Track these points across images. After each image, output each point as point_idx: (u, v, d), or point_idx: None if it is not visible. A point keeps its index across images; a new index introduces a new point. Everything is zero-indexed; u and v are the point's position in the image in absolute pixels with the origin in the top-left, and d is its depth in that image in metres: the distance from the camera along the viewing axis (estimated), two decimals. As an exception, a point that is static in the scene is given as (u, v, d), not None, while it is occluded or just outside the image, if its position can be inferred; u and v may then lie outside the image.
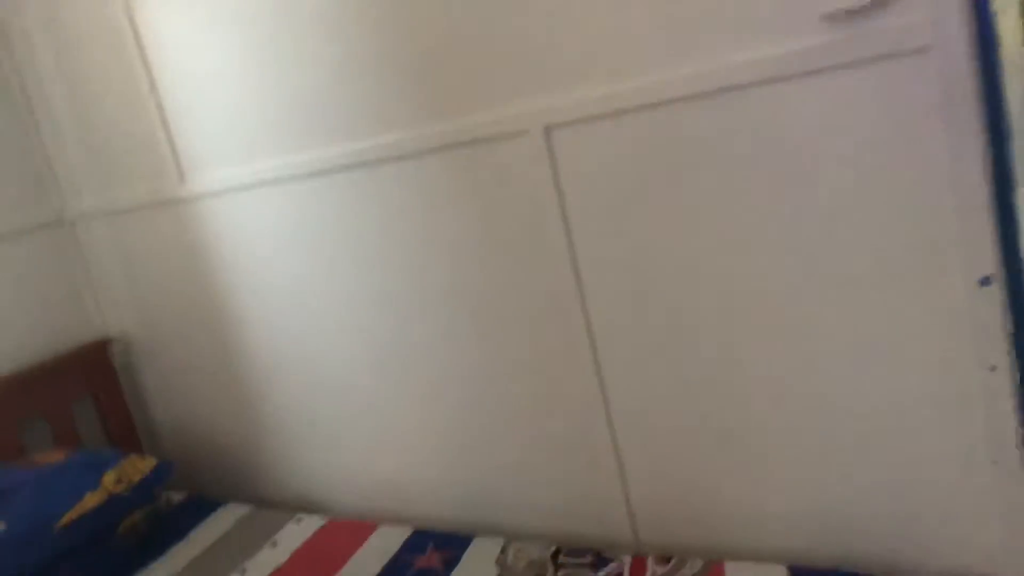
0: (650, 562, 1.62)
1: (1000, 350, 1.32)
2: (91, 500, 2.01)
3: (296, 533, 2.06)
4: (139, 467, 2.15)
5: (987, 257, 1.29)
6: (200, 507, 2.29)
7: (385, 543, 1.92)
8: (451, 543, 1.85)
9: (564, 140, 1.61)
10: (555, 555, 1.72)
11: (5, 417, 2.31)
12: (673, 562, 1.61)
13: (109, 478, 2.07)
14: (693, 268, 1.55)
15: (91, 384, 2.53)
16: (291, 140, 1.96)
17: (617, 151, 1.56)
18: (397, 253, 1.90)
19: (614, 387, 1.70)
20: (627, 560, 1.65)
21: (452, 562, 1.78)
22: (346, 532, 2.01)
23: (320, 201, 1.97)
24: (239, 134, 2.05)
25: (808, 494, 1.55)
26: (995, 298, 1.30)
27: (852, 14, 1.28)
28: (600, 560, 1.67)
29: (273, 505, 2.31)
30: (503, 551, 1.78)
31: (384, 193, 1.86)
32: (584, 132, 1.58)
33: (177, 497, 2.36)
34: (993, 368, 1.33)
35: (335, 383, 2.16)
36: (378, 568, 1.83)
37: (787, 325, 1.49)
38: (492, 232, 1.74)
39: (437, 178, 1.77)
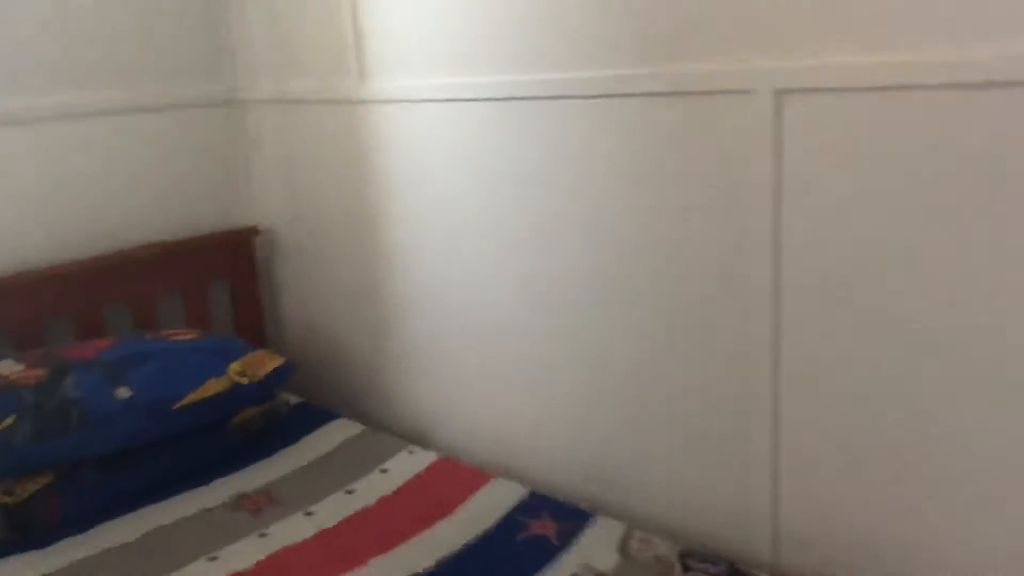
0: (792, 590, 1.47)
1: None
2: (213, 386, 1.98)
3: (407, 464, 1.98)
4: (265, 362, 2.11)
5: None
6: (314, 415, 2.25)
7: (498, 497, 1.82)
8: (569, 516, 1.73)
9: (796, 109, 1.42)
10: (684, 555, 1.58)
11: (146, 286, 2.31)
12: (819, 596, 1.45)
13: (235, 367, 2.04)
14: (914, 281, 1.35)
15: (230, 270, 2.51)
16: (487, 60, 1.83)
17: (859, 132, 1.37)
18: (574, 198, 1.76)
19: (789, 388, 1.53)
20: (766, 581, 1.50)
21: (569, 536, 1.66)
22: (458, 476, 1.92)
23: (503, 129, 1.85)
24: (432, 45, 1.94)
25: (985, 552, 1.36)
26: None
27: None
28: (735, 572, 1.52)
29: (384, 430, 2.24)
30: (626, 537, 1.65)
31: (576, 132, 1.72)
32: (823, 104, 1.39)
33: (293, 399, 2.32)
34: None
35: (474, 322, 2.05)
36: (490, 522, 1.72)
37: (1010, 365, 1.28)
38: (688, 194, 1.58)
39: (638, 126, 1.62)
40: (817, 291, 1.46)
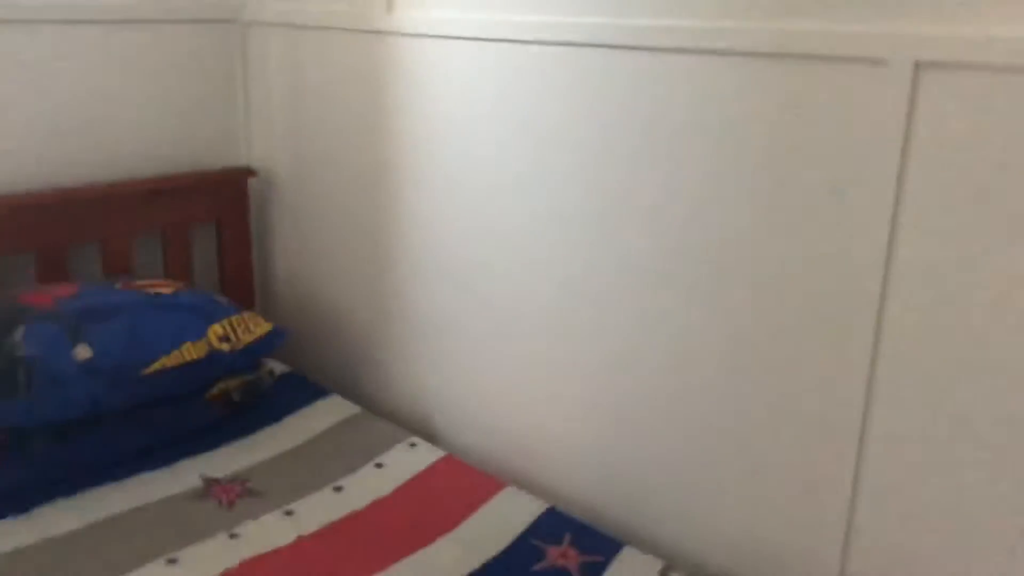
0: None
1: None
2: (190, 352, 1.71)
3: (407, 461, 1.72)
4: (251, 328, 1.83)
5: None
6: (302, 390, 1.98)
7: (511, 513, 1.56)
8: (595, 544, 1.48)
9: (937, 87, 1.13)
10: (732, 610, 1.33)
11: (120, 227, 2.02)
12: None
13: (215, 331, 1.77)
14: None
15: (218, 214, 2.21)
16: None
17: (1015, 121, 1.08)
18: (640, 174, 1.48)
19: (880, 431, 1.27)
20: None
21: (595, 571, 1.41)
22: (464, 480, 1.67)
23: (561, 82, 1.55)
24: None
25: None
26: None
27: None
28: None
29: (380, 414, 1.98)
30: (663, 577, 1.40)
31: (653, 94, 1.43)
32: (972, 84, 1.11)
33: (278, 369, 2.05)
34: None
35: (497, 303, 1.77)
36: (502, 545, 1.47)
37: None
38: (786, 182, 1.30)
39: (731, 92, 1.32)
40: (928, 310, 1.19)
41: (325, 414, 1.88)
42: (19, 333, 1.57)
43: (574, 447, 1.70)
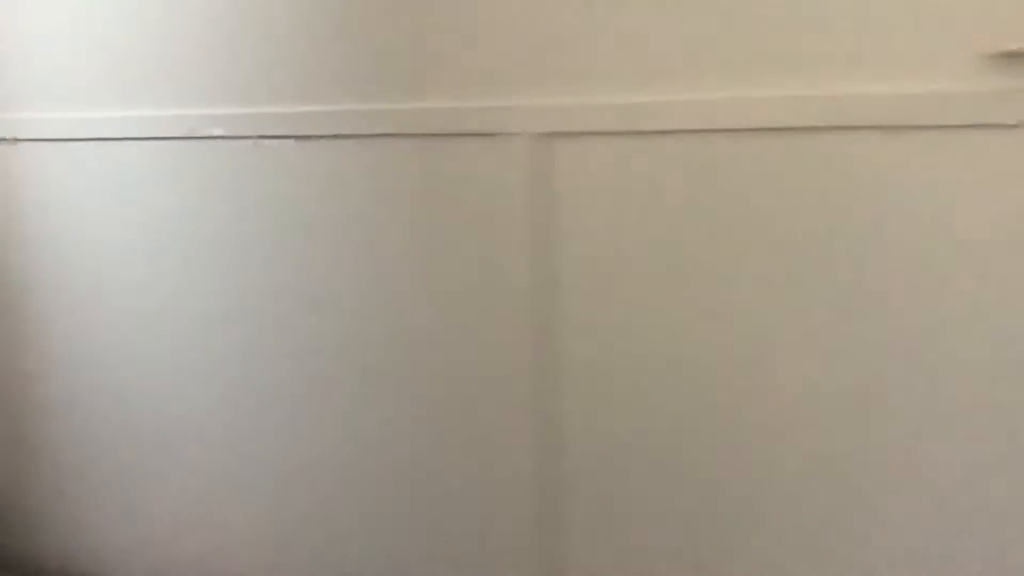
0: None
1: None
2: None
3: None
4: None
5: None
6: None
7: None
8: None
9: (564, 155, 1.21)
10: None
11: None
12: None
13: None
14: (720, 357, 1.18)
15: None
16: (154, 88, 1.45)
17: (643, 181, 1.18)
18: (279, 264, 1.43)
19: (571, 501, 1.31)
20: None
21: None
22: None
23: (185, 176, 1.47)
24: (87, 68, 1.51)
25: None
26: None
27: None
28: None
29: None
30: None
31: (279, 181, 1.39)
32: (597, 150, 1.20)
33: None
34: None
35: (155, 423, 1.60)
36: None
37: (852, 465, 1.14)
38: (433, 256, 1.31)
39: (368, 172, 1.33)
40: (596, 371, 1.26)
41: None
42: None
43: (272, 566, 1.55)
